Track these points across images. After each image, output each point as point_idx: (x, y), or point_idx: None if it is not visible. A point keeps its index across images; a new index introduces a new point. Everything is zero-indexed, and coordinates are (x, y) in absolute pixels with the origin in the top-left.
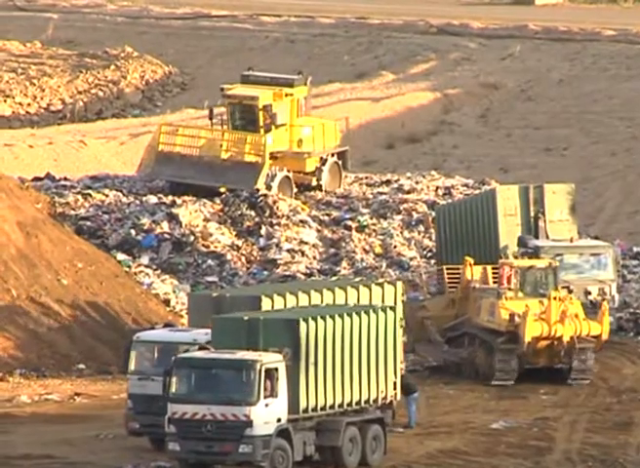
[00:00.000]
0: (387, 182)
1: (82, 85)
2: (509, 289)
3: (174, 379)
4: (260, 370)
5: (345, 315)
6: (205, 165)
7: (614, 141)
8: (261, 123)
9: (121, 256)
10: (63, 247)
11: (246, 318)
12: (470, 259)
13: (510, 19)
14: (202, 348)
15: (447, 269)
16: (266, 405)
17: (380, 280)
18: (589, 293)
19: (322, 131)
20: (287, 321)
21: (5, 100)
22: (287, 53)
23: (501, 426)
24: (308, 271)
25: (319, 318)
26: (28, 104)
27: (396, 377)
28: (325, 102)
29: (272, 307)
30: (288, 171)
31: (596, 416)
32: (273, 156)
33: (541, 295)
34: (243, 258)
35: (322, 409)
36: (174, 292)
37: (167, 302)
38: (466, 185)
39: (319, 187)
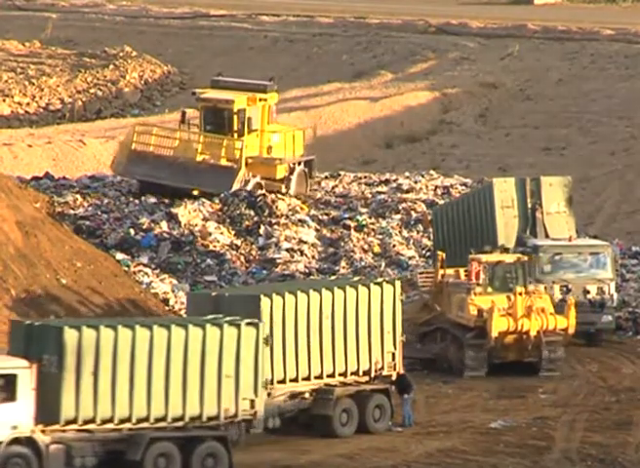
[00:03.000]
0: (386, 182)
1: (81, 84)
2: (478, 284)
3: None
4: None
5: (157, 327)
6: (179, 166)
7: (612, 141)
8: (236, 127)
9: (120, 256)
10: (62, 246)
11: (27, 323)
12: (442, 254)
13: (509, 18)
14: None
15: (420, 273)
16: None
17: (379, 279)
18: (588, 292)
19: (292, 138)
20: (53, 328)
21: (4, 100)
22: (286, 52)
23: (500, 425)
24: (307, 270)
25: (103, 328)
26: (27, 104)
27: (257, 395)
28: (323, 102)
29: (271, 307)
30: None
31: (595, 416)
32: (244, 162)
33: (511, 290)
34: (242, 258)
35: (107, 421)
36: (173, 291)
37: (166, 302)
38: (465, 185)
39: (287, 195)
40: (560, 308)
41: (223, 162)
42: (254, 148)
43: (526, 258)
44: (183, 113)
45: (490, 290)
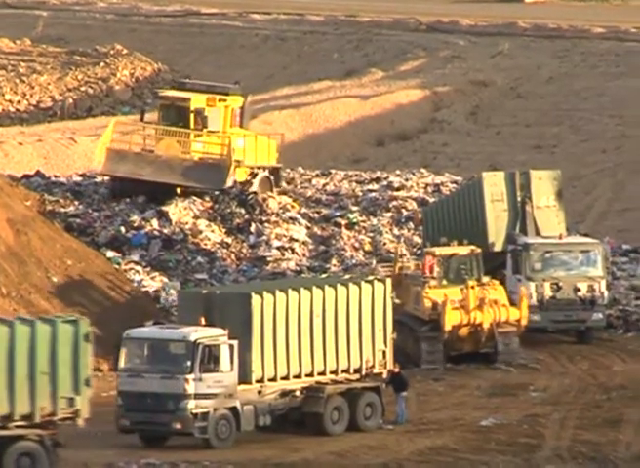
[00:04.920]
0: (377, 180)
1: (72, 82)
2: (433, 277)
3: None
4: None
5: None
6: (163, 163)
7: (603, 139)
8: (192, 126)
9: (111, 254)
10: (53, 244)
11: None
12: (400, 246)
13: (500, 16)
14: None
15: (382, 266)
16: None
17: (370, 277)
18: (579, 290)
19: (255, 144)
20: None
21: None
22: (277, 50)
23: (491, 423)
24: (298, 268)
25: None
26: (18, 102)
27: (78, 393)
28: (314, 100)
29: (262, 305)
30: None
31: (586, 413)
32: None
33: (465, 283)
34: (233, 256)
35: None
36: (163, 289)
37: (157, 300)
38: (456, 183)
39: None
40: (550, 305)
41: (214, 158)
42: (214, 149)
43: (479, 250)
44: (142, 112)
45: (444, 282)
